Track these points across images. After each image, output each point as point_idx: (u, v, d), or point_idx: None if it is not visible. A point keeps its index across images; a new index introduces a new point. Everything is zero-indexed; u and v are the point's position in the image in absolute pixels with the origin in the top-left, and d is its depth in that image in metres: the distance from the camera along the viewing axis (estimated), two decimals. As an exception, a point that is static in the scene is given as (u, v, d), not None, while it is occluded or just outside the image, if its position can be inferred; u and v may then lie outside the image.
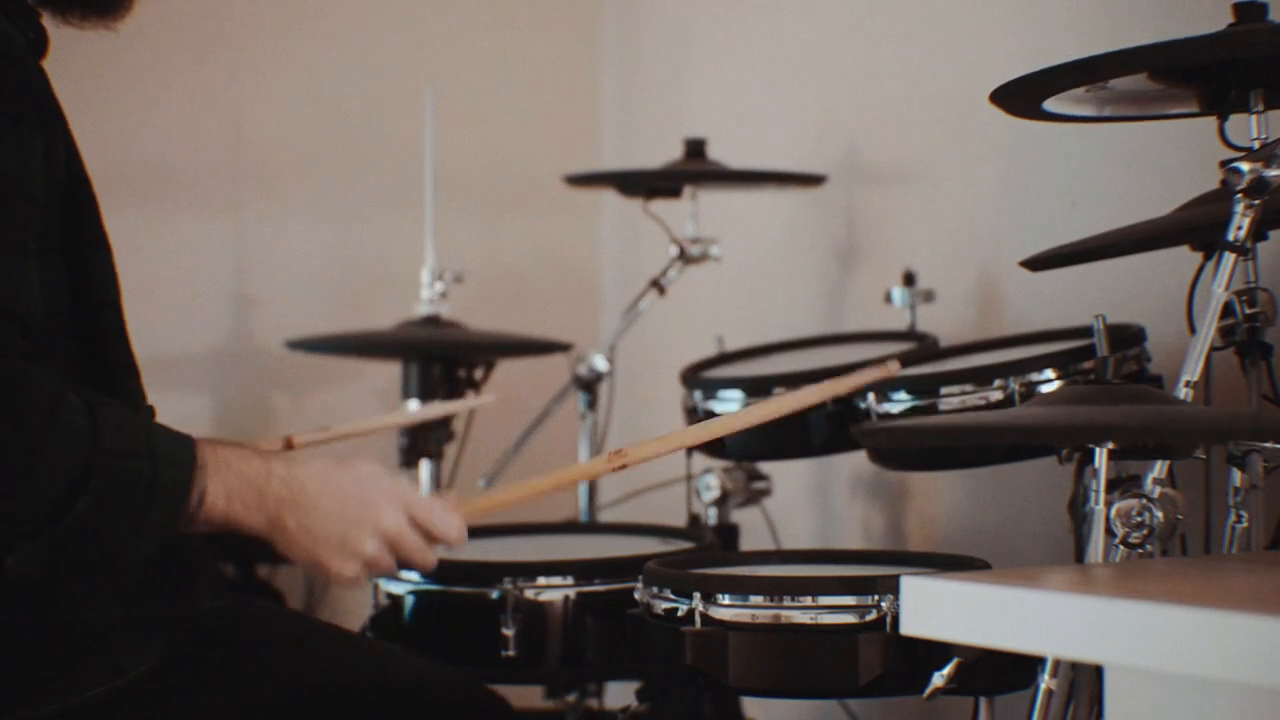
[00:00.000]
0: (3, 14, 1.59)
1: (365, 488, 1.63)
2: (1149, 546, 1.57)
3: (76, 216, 1.63)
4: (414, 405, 2.91)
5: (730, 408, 2.37)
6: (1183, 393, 1.56)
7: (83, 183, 1.66)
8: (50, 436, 1.45)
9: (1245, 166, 1.55)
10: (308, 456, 1.66)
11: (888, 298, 2.61)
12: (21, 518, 1.47)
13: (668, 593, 1.83)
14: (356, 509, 1.62)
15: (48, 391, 1.47)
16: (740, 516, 2.76)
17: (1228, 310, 1.75)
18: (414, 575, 2.12)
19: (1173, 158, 2.29)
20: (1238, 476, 1.73)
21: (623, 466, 1.78)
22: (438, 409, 2.83)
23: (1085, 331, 2.04)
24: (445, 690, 1.81)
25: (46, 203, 1.57)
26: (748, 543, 2.79)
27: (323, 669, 1.76)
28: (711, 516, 2.70)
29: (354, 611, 3.29)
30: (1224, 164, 1.58)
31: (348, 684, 1.75)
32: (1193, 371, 1.57)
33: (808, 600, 1.75)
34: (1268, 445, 1.70)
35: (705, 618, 1.78)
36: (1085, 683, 1.63)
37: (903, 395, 2.06)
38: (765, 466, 2.76)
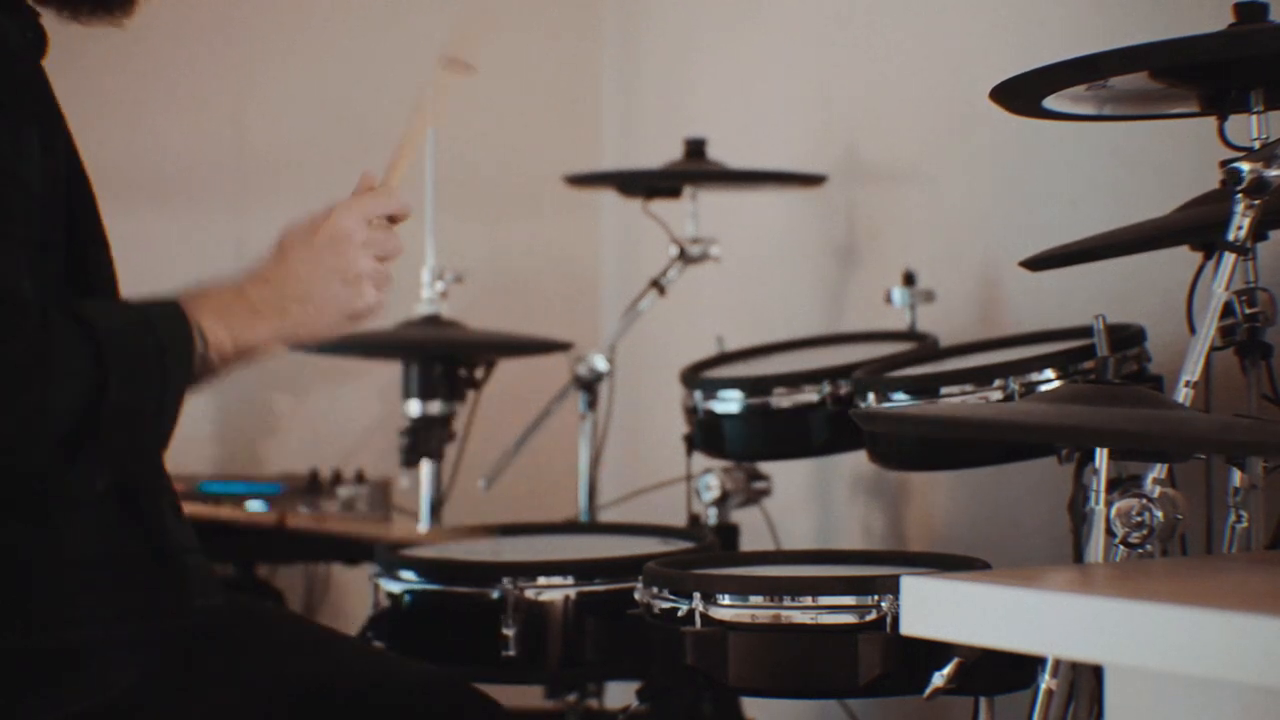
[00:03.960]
0: (2, 11, 1.59)
1: (315, 230, 1.67)
2: (1149, 546, 1.56)
3: (76, 214, 1.64)
4: (415, 405, 2.91)
5: (730, 408, 2.37)
6: (1182, 393, 1.56)
7: (81, 181, 1.66)
8: (55, 350, 1.47)
9: (1245, 166, 1.55)
10: (255, 258, 1.69)
11: (888, 298, 2.61)
12: (62, 428, 1.47)
13: (668, 593, 1.83)
14: (327, 249, 1.66)
15: (32, 313, 1.48)
16: (740, 516, 2.76)
17: (1228, 310, 1.75)
18: (413, 575, 2.12)
19: (1173, 158, 2.29)
20: (1238, 476, 1.73)
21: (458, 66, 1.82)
22: None
23: (1085, 331, 2.04)
24: (434, 693, 1.81)
25: (46, 199, 1.57)
26: (748, 543, 2.79)
27: (308, 674, 1.75)
28: (711, 516, 2.70)
29: (354, 612, 3.29)
30: (1224, 164, 1.58)
31: (333, 688, 1.74)
32: (1193, 371, 1.57)
33: (808, 600, 1.75)
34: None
35: (705, 618, 1.78)
36: (1085, 683, 1.63)
37: (902, 395, 2.06)
38: (765, 466, 2.76)
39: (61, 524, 1.60)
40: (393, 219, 1.73)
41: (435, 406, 2.90)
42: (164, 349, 1.54)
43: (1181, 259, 1.91)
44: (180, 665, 1.66)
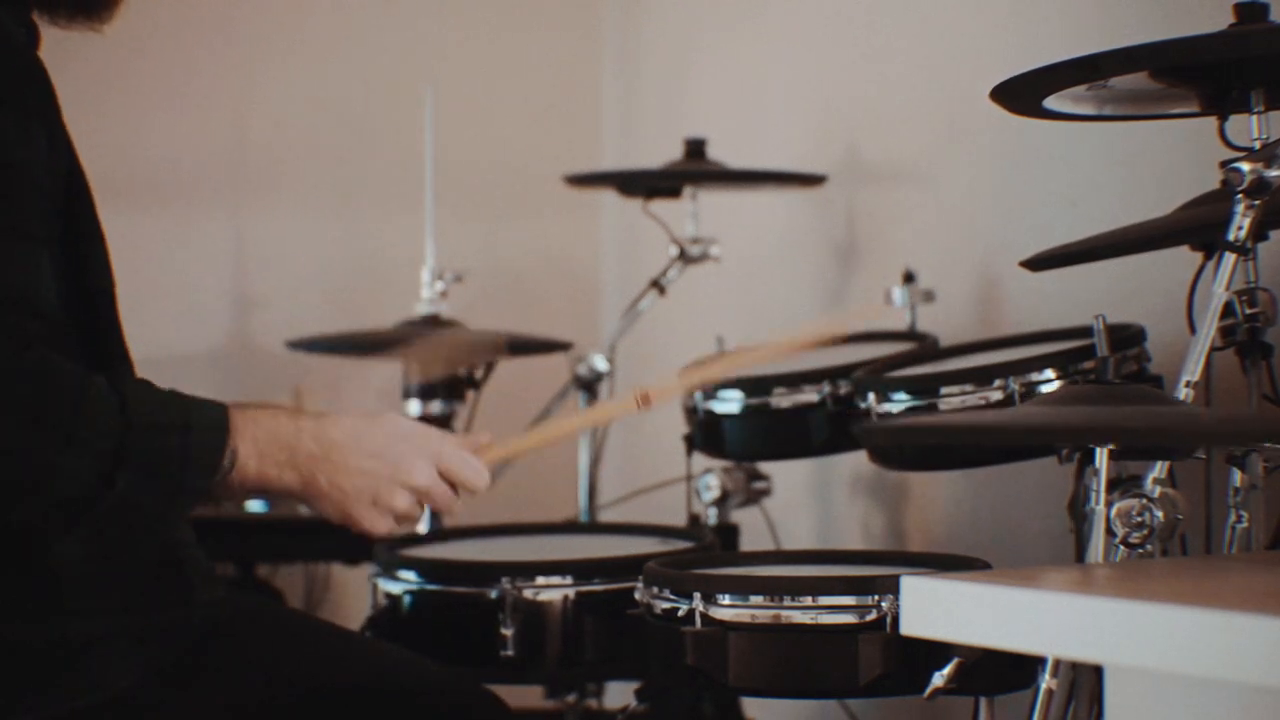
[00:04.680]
0: (2, 9, 1.59)
1: (395, 443, 1.65)
2: (1149, 546, 1.56)
3: (73, 208, 1.64)
4: (415, 405, 2.91)
5: (730, 408, 2.37)
6: (1183, 393, 1.56)
7: (78, 174, 1.66)
8: (83, 418, 1.46)
9: (1246, 166, 1.55)
10: (339, 413, 1.67)
11: (888, 298, 2.61)
12: (65, 501, 1.47)
13: (668, 593, 1.83)
14: (388, 466, 1.63)
15: (74, 374, 1.47)
16: (740, 516, 2.76)
17: (1228, 310, 1.74)
18: (412, 575, 2.12)
19: (1173, 158, 2.29)
20: (1238, 476, 1.72)
21: (646, 403, 1.79)
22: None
23: (1085, 331, 2.03)
24: (442, 691, 1.81)
25: (49, 192, 1.57)
26: (748, 543, 2.79)
27: (317, 670, 1.75)
28: (711, 516, 2.70)
29: (353, 611, 3.29)
30: (1224, 164, 1.58)
31: (343, 684, 1.75)
32: (1193, 371, 1.57)
33: (808, 600, 1.75)
34: (1268, 445, 1.69)
35: (705, 618, 1.78)
36: (1085, 683, 1.63)
37: (902, 395, 2.06)
38: (765, 466, 2.75)
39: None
40: (459, 487, 1.69)
41: (435, 406, 2.90)
42: (189, 460, 1.53)
43: (1181, 259, 1.91)
44: (184, 660, 1.66)
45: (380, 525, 1.65)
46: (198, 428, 1.54)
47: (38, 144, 1.55)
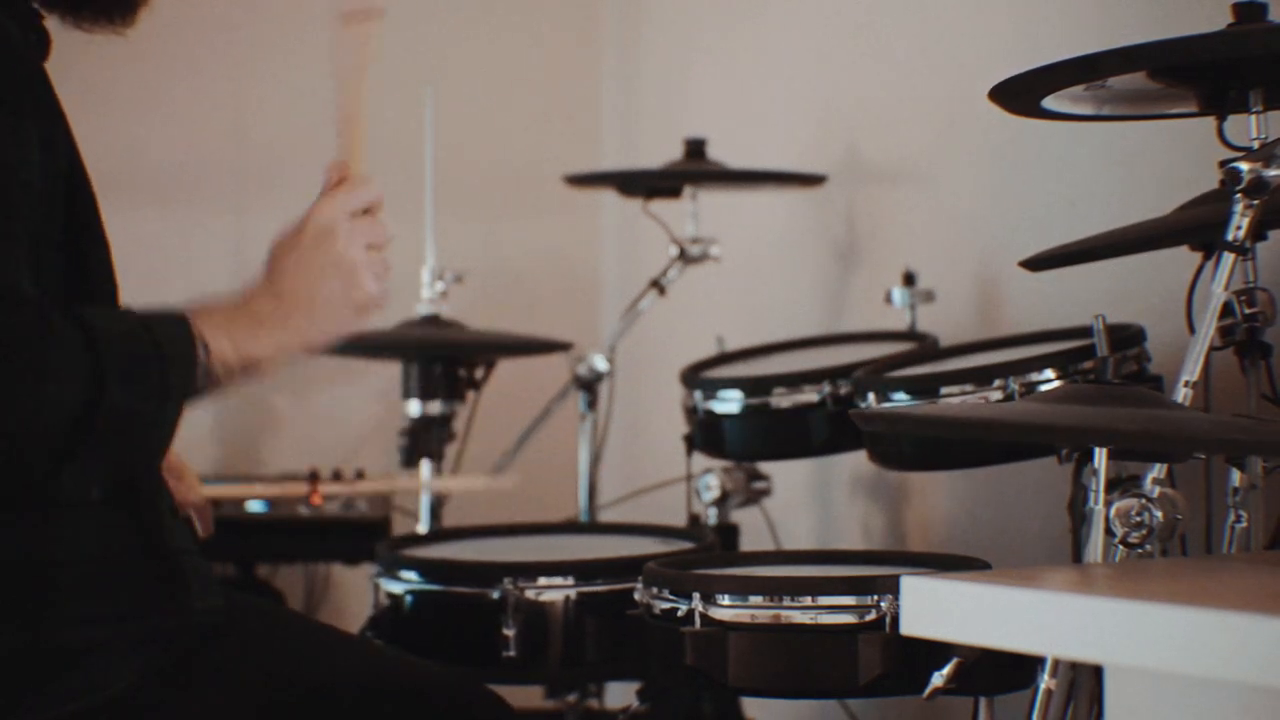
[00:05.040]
0: (4, 11, 1.59)
1: (300, 233, 1.66)
2: (1149, 546, 1.56)
3: (76, 212, 1.64)
4: (415, 405, 2.91)
5: (730, 408, 2.37)
6: (1182, 393, 1.56)
7: (82, 179, 1.66)
8: (53, 343, 1.46)
9: (1245, 166, 1.55)
10: (265, 264, 1.67)
11: (888, 298, 2.61)
12: (58, 428, 1.47)
13: (667, 593, 1.83)
14: (314, 249, 1.65)
15: (32, 307, 1.47)
16: (740, 516, 2.76)
17: (1227, 310, 1.74)
18: (413, 575, 2.12)
19: (1171, 158, 2.29)
20: (1237, 476, 1.73)
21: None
22: None
23: (1085, 331, 2.04)
24: (444, 691, 1.81)
25: (47, 195, 1.57)
26: (748, 543, 2.79)
27: (317, 670, 1.75)
28: (711, 516, 2.70)
29: (354, 611, 3.29)
30: (1223, 164, 1.58)
31: (344, 684, 1.75)
32: (1192, 371, 1.57)
33: (807, 600, 1.75)
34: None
35: (705, 618, 1.78)
36: (1085, 683, 1.63)
37: (902, 395, 2.06)
38: (765, 466, 2.76)
39: (62, 524, 1.60)
40: (370, 210, 1.69)
41: (435, 406, 2.90)
42: (165, 357, 1.53)
43: (1181, 259, 1.91)
44: (181, 664, 1.66)
45: (368, 285, 1.65)
46: (160, 328, 1.55)
47: (31, 145, 1.55)
